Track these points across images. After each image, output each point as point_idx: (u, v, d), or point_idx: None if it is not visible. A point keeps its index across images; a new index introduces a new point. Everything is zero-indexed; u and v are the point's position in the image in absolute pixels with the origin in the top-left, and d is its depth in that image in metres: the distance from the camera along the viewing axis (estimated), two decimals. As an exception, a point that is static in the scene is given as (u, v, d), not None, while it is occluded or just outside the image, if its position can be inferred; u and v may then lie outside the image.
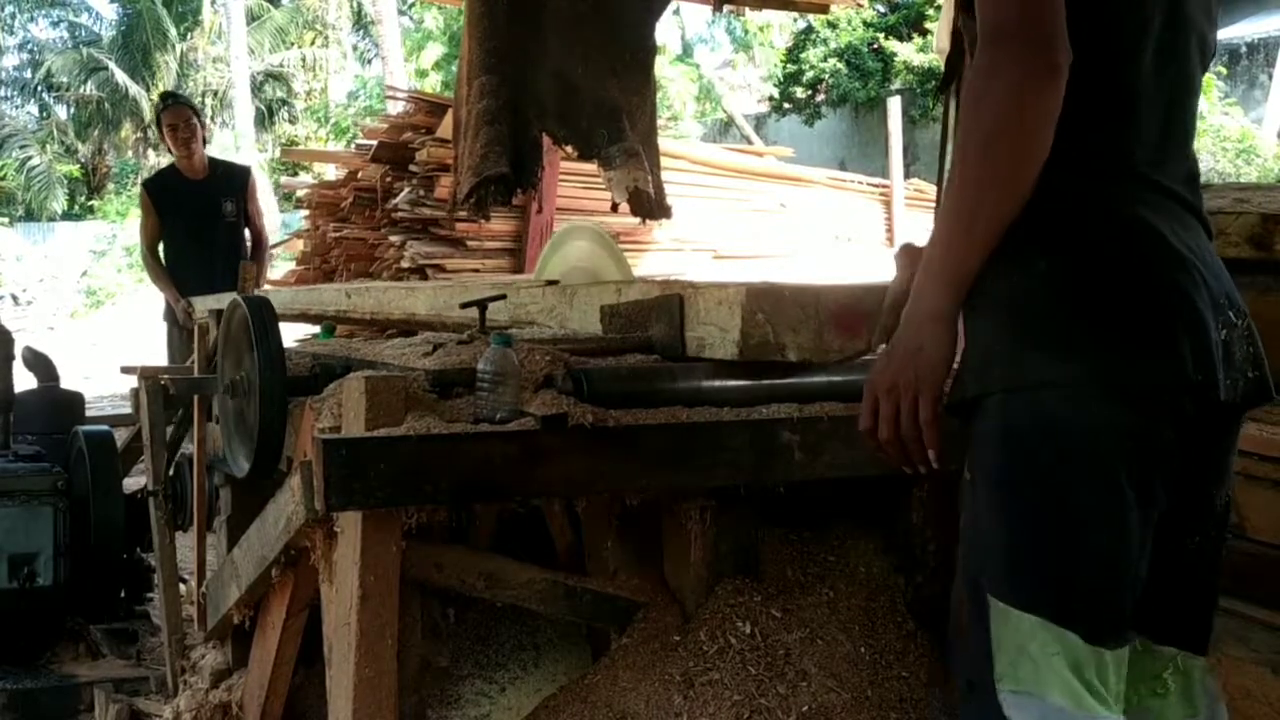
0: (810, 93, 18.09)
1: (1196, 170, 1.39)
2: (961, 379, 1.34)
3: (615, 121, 3.79)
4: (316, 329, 4.00)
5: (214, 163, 5.61)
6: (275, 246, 8.26)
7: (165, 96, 6.70)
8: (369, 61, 26.61)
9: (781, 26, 17.79)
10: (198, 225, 5.35)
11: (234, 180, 5.55)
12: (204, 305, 4.39)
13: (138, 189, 6.06)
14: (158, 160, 18.36)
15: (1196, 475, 1.34)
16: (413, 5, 22.92)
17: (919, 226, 8.39)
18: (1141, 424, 1.25)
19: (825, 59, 17.40)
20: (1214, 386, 1.26)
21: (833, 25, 17.14)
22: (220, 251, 5.30)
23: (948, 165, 1.38)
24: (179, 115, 5.40)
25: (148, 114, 21.48)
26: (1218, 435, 1.36)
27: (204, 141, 5.51)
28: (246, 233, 5.57)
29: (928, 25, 15.78)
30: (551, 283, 2.78)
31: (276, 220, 15.22)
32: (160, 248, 5.45)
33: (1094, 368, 1.24)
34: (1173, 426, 1.27)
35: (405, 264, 6.21)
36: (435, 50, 17.80)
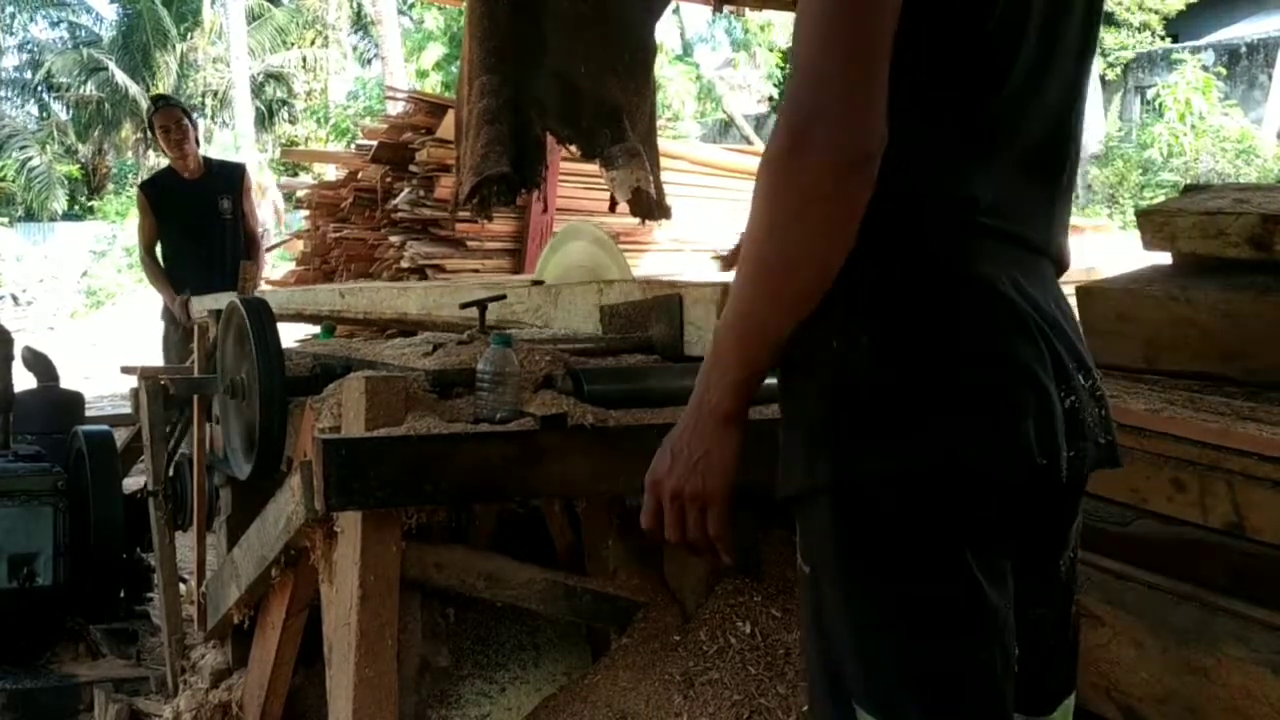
0: (810, 92, 18.07)
1: (1067, 205, 1.25)
2: (784, 470, 1.20)
3: (616, 121, 3.79)
4: (317, 329, 4.00)
5: (209, 162, 5.62)
6: (275, 247, 8.27)
7: (156, 99, 6.74)
8: (369, 62, 26.62)
9: (782, 26, 17.79)
10: (195, 225, 5.35)
11: (230, 178, 5.56)
12: (203, 305, 4.39)
13: (136, 190, 6.08)
14: (158, 160, 18.36)
15: (1039, 547, 1.25)
16: (413, 5, 22.94)
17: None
18: (984, 511, 1.13)
19: (825, 59, 17.39)
20: (1057, 470, 1.15)
21: (833, 25, 17.12)
22: (218, 250, 5.30)
23: None
24: (170, 116, 5.41)
25: (147, 114, 21.48)
26: (1062, 504, 1.25)
27: (197, 141, 5.52)
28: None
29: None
30: (537, 283, 2.79)
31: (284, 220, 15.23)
32: (158, 248, 5.46)
33: (929, 457, 1.11)
34: (1015, 508, 1.16)
35: (405, 264, 6.21)
36: (435, 51, 17.82)
